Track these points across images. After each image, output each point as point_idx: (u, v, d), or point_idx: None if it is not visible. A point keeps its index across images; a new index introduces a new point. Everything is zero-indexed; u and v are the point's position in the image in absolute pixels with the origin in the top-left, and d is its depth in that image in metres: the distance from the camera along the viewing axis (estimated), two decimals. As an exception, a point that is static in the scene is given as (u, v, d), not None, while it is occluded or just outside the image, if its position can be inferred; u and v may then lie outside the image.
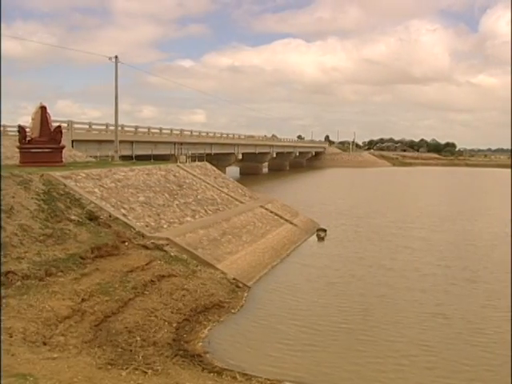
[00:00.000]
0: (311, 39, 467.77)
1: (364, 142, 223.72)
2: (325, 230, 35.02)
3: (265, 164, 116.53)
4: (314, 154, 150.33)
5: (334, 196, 61.51)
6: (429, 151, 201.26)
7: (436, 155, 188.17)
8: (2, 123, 45.02)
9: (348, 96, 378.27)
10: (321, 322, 17.71)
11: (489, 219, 44.51)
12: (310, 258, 27.90)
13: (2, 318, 13.01)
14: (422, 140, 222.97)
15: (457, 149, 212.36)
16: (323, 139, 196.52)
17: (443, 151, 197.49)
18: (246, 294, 20.27)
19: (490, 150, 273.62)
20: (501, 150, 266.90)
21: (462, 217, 45.37)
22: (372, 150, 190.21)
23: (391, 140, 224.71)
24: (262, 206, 36.13)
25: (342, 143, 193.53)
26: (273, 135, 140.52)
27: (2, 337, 12.07)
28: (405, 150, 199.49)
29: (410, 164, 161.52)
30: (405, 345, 15.82)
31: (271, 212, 35.67)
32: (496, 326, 17.68)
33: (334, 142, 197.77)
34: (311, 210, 45.11)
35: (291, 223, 34.91)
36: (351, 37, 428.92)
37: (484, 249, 31.20)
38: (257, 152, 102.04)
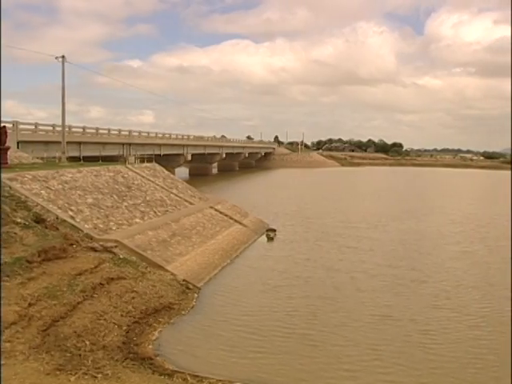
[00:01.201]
0: (259, 40, 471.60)
1: (313, 143, 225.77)
2: (274, 230, 35.30)
3: (214, 165, 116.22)
4: (263, 154, 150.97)
5: (284, 196, 61.91)
6: (376, 151, 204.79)
7: (383, 155, 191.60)
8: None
9: (297, 97, 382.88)
10: (269, 324, 17.64)
11: (435, 218, 45.52)
12: (260, 259, 27.97)
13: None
14: (369, 140, 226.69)
15: (404, 149, 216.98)
16: (272, 140, 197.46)
17: (390, 151, 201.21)
18: (196, 296, 20.23)
19: (435, 150, 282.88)
20: (446, 150, 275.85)
21: (408, 216, 46.26)
22: (321, 151, 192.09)
23: (340, 140, 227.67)
24: (211, 207, 36.10)
25: (291, 144, 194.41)
26: (222, 136, 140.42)
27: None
28: (353, 150, 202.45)
29: (358, 164, 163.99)
30: (353, 348, 15.77)
31: (221, 213, 35.66)
32: (444, 327, 17.80)
33: (283, 143, 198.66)
34: (261, 210, 45.32)
35: (241, 224, 34.98)
36: (299, 38, 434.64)
37: (431, 248, 31.66)
38: (206, 153, 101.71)
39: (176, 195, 36.53)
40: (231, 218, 35.29)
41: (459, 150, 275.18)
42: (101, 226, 24.55)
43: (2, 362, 11.36)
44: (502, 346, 15.90)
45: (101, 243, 22.08)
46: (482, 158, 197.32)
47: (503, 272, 25.45)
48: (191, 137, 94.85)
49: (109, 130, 65.19)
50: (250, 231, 34.19)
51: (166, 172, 43.36)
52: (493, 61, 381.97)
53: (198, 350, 15.22)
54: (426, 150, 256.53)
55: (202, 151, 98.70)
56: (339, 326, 17.69)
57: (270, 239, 33.63)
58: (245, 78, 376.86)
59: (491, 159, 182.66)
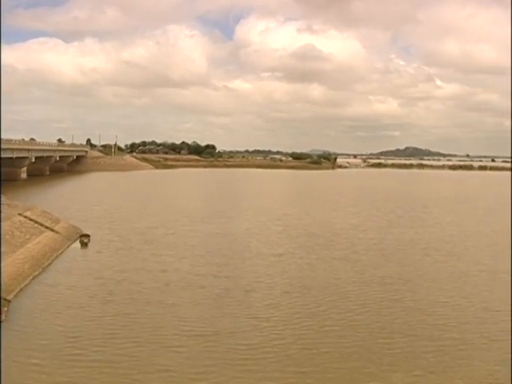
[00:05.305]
0: (69, 39, 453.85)
1: (127, 145, 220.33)
2: (88, 236, 34.21)
3: (23, 169, 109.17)
4: (75, 157, 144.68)
5: (95, 201, 59.76)
6: (190, 153, 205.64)
7: (197, 157, 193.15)
8: None
9: (109, 98, 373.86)
10: (73, 347, 16.31)
11: (247, 220, 46.28)
12: (71, 270, 26.32)
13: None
14: (183, 142, 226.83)
15: (217, 150, 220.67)
16: (85, 143, 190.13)
17: (204, 153, 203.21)
18: (6, 309, 18.88)
19: (247, 151, 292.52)
20: (257, 152, 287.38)
21: (220, 218, 46.65)
22: (135, 153, 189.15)
23: (153, 143, 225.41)
24: (20, 214, 33.93)
25: (104, 146, 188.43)
26: (31, 139, 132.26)
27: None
28: (167, 153, 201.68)
29: (172, 166, 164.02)
30: (170, 373, 14.68)
31: (31, 220, 33.69)
32: (267, 344, 17.11)
33: (96, 146, 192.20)
34: (72, 215, 43.63)
35: (52, 230, 33.38)
36: (110, 38, 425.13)
37: (245, 252, 31.50)
38: (14, 156, 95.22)
39: (-20, 203, 33.84)
40: (42, 225, 33.52)
41: (269, 151, 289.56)
42: None
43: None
44: (328, 360, 15.95)
45: None
46: (290, 158, 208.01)
47: (316, 274, 26.46)
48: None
49: None
50: (62, 237, 32.78)
51: (-31, 179, 40.00)
52: (297, 67, 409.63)
53: (9, 368, 14.27)
54: (238, 152, 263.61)
55: (9, 155, 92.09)
56: (145, 349, 16.22)
57: (84, 245, 32.59)
58: (54, 79, 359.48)
59: (299, 159, 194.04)
